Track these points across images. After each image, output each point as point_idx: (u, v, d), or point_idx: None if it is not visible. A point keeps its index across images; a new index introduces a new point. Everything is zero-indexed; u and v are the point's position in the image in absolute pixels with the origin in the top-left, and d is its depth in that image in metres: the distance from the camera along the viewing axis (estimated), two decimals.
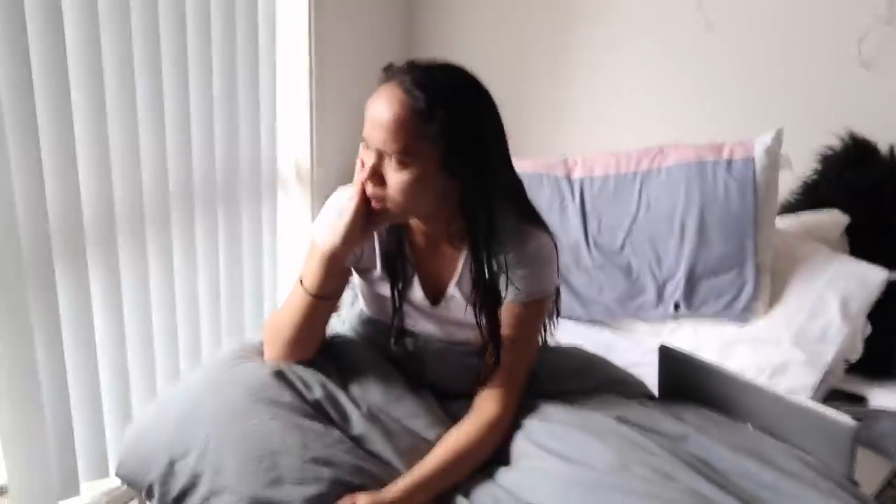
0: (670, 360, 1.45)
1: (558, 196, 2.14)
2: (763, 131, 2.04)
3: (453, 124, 1.17)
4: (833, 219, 2.07)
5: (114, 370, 1.78)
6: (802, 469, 1.22)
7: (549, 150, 2.38)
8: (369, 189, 1.22)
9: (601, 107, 2.47)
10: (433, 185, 1.21)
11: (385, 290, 1.35)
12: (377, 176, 1.21)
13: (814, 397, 1.77)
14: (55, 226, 1.59)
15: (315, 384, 1.28)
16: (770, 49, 2.20)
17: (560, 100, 2.52)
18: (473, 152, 1.21)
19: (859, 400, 1.85)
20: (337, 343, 1.40)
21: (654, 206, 2.04)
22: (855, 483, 1.25)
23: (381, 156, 1.20)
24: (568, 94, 2.51)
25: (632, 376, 1.50)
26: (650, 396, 1.47)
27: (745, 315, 1.96)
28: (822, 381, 1.81)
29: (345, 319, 1.48)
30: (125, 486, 1.56)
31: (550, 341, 1.43)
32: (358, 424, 1.25)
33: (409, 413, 1.29)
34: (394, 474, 1.21)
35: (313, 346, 1.35)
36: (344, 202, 1.26)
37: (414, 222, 1.32)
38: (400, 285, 1.34)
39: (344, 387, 1.31)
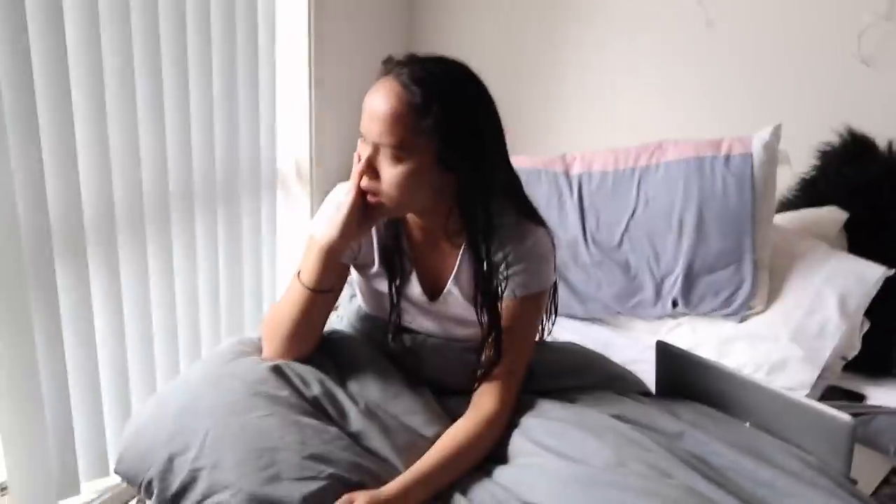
0: (668, 356, 1.45)
1: (556, 192, 2.14)
2: (763, 128, 2.04)
3: (449, 119, 1.18)
4: (832, 215, 2.07)
5: (114, 369, 1.79)
6: (800, 466, 1.22)
7: (549, 147, 2.38)
8: (364, 182, 1.23)
9: (601, 104, 2.47)
10: (429, 179, 1.22)
11: (383, 286, 1.36)
12: (372, 169, 1.22)
13: (811, 394, 1.77)
14: (56, 225, 1.60)
15: (313, 381, 1.29)
16: (769, 45, 2.21)
17: (560, 97, 2.52)
18: (470, 147, 1.21)
19: (858, 397, 1.85)
20: (335, 339, 1.41)
21: (653, 202, 2.04)
22: (852, 480, 1.25)
23: (377, 149, 1.21)
24: (568, 92, 2.51)
25: (630, 373, 1.50)
26: (647, 393, 1.47)
27: (742, 311, 1.96)
28: (819, 378, 1.82)
29: (343, 316, 1.48)
30: (125, 485, 1.57)
31: (548, 338, 1.44)
32: (356, 421, 1.26)
33: (407, 410, 1.30)
34: (392, 471, 1.21)
35: (312, 341, 1.35)
36: (342, 196, 1.27)
37: (411, 218, 1.33)
38: (398, 281, 1.34)
39: (342, 383, 1.32)
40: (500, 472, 1.24)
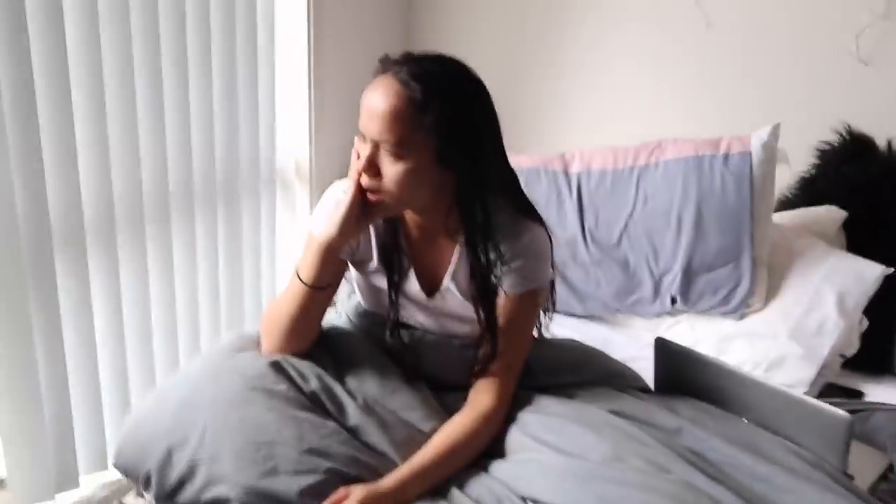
0: (666, 352, 1.46)
1: (555, 190, 2.15)
2: (762, 127, 2.04)
3: (449, 115, 1.18)
4: (830, 214, 2.07)
5: (113, 366, 1.79)
6: (797, 462, 1.22)
7: (548, 147, 2.38)
8: (365, 180, 1.23)
9: (600, 104, 2.47)
10: (429, 176, 1.22)
11: (381, 282, 1.36)
12: (373, 167, 1.22)
13: (810, 391, 1.77)
14: (56, 223, 1.61)
15: (311, 376, 1.29)
16: (768, 44, 2.21)
17: (559, 97, 2.53)
18: (469, 143, 1.22)
19: (856, 394, 1.86)
20: (333, 335, 1.41)
21: (652, 200, 2.04)
22: (849, 476, 1.25)
23: (376, 147, 1.21)
24: (566, 92, 2.51)
25: (628, 369, 1.50)
26: (646, 389, 1.47)
27: (741, 309, 1.96)
28: (818, 376, 1.82)
29: (341, 312, 1.49)
30: (124, 479, 1.57)
31: (546, 335, 1.44)
32: (354, 416, 1.26)
33: (405, 405, 1.30)
34: (389, 466, 1.22)
35: (310, 337, 1.36)
36: (340, 194, 1.27)
37: (409, 215, 1.33)
38: (396, 277, 1.35)
39: (340, 379, 1.32)
40: (498, 467, 1.24)
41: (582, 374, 1.44)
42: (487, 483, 1.21)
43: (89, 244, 1.69)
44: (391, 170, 1.21)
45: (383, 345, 1.38)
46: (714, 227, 1.98)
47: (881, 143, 2.06)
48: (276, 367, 1.28)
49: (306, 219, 2.38)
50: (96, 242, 1.71)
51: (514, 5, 2.54)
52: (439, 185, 1.24)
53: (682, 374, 1.44)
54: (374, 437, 1.25)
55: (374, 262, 1.36)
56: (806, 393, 1.71)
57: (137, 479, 1.26)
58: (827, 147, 2.12)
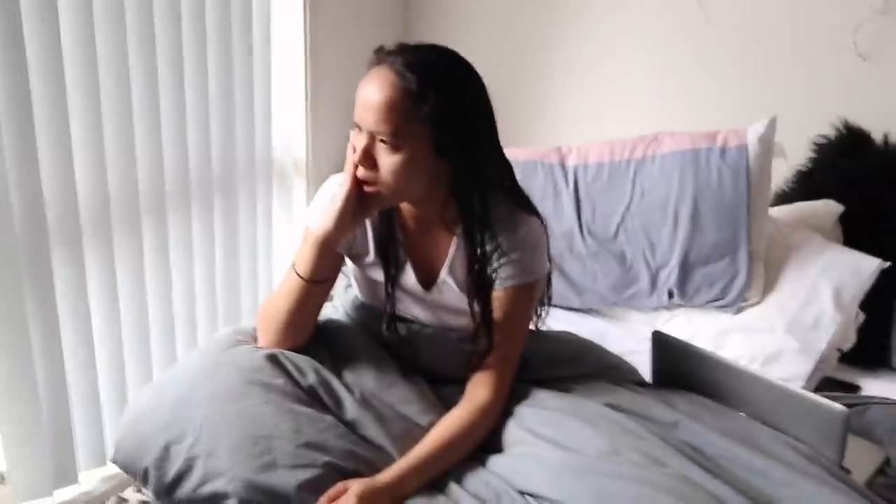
0: (663, 345, 1.46)
1: (552, 183, 2.14)
2: (759, 121, 2.04)
3: (445, 105, 1.18)
4: (827, 207, 2.08)
5: (111, 362, 1.79)
6: (794, 456, 1.22)
7: (545, 141, 2.38)
8: (361, 172, 1.23)
9: (598, 98, 2.47)
10: (425, 167, 1.22)
11: (378, 275, 1.36)
12: (369, 159, 1.21)
13: (807, 385, 1.78)
14: (52, 219, 1.60)
15: (308, 370, 1.29)
16: (765, 39, 2.21)
17: (556, 92, 2.52)
18: (465, 133, 1.22)
19: (853, 388, 1.86)
20: (330, 328, 1.41)
21: (648, 193, 2.04)
22: (846, 470, 1.26)
23: (372, 138, 1.21)
24: (563, 86, 2.51)
25: (625, 362, 1.50)
26: (643, 383, 1.48)
27: (738, 303, 1.96)
28: (815, 370, 1.82)
29: (338, 305, 1.49)
30: (123, 474, 1.57)
31: (543, 328, 1.44)
32: (351, 410, 1.26)
33: (402, 398, 1.30)
34: (387, 459, 1.22)
35: (306, 331, 1.35)
36: (336, 188, 1.27)
37: (405, 207, 1.33)
38: (392, 270, 1.34)
39: (337, 372, 1.32)
40: (495, 461, 1.24)
41: (579, 367, 1.44)
42: (485, 477, 1.21)
43: (86, 241, 1.69)
44: (387, 161, 1.20)
45: (380, 338, 1.37)
46: (711, 221, 1.98)
47: (877, 137, 2.07)
48: (273, 360, 1.28)
49: (303, 213, 2.38)
50: (93, 239, 1.71)
51: (513, 4, 2.53)
52: (436, 175, 1.24)
53: (678, 368, 1.44)
54: (372, 430, 1.25)
55: (371, 256, 1.36)
56: (803, 387, 1.72)
57: (136, 474, 1.26)
58: (824, 141, 2.12)
